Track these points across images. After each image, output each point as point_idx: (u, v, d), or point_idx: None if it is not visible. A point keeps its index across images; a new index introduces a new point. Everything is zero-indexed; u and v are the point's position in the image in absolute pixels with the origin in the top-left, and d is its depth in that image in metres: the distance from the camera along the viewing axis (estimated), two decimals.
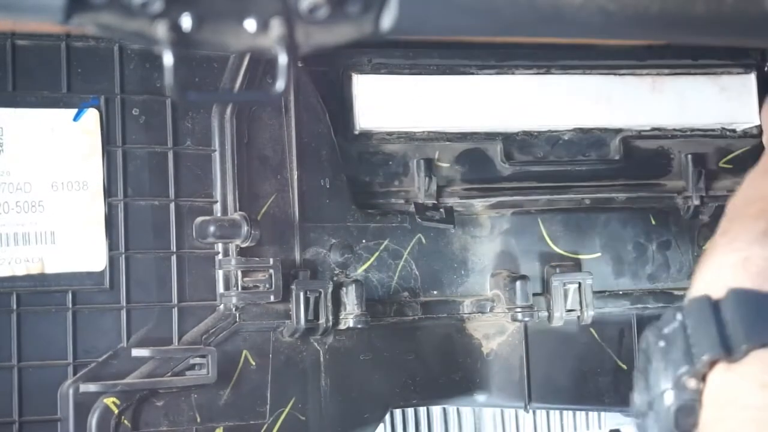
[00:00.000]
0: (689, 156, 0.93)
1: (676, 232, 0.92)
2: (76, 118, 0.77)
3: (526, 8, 0.46)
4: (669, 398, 0.52)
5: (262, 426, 0.80)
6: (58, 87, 0.77)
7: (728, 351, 0.50)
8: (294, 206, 0.82)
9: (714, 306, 0.52)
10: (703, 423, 0.50)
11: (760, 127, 0.93)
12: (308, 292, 0.80)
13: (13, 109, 0.75)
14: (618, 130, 0.92)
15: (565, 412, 0.99)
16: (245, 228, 0.77)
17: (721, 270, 0.55)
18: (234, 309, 0.79)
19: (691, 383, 0.51)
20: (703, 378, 0.51)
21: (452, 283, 0.87)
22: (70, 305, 0.76)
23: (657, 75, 0.92)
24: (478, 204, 0.88)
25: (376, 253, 0.85)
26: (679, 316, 0.53)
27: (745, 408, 0.49)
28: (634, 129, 0.92)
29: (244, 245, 0.79)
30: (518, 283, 0.86)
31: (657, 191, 0.93)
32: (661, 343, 0.53)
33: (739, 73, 0.94)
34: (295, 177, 0.82)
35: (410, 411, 0.95)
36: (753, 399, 0.49)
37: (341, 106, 0.85)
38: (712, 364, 0.51)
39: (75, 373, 0.75)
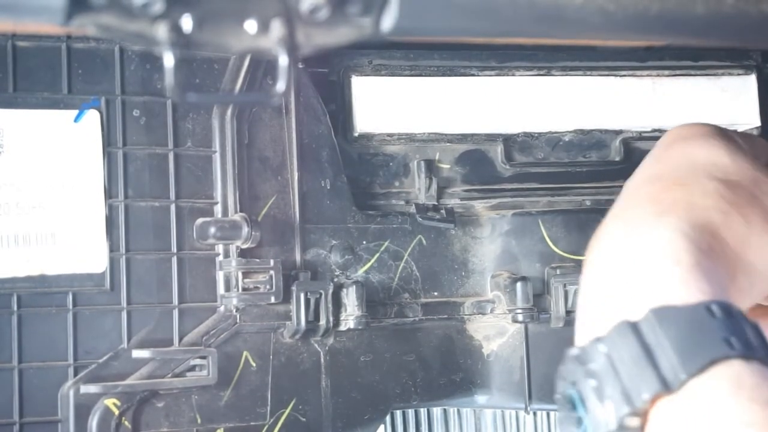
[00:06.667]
0: None
1: None
2: (76, 119, 0.77)
3: (526, 8, 0.46)
4: None
5: (262, 427, 0.80)
6: (58, 88, 0.77)
7: (666, 385, 0.46)
8: (294, 207, 0.82)
9: (635, 330, 0.48)
10: None
11: (760, 128, 0.93)
12: (309, 294, 0.80)
13: (14, 111, 0.75)
14: (618, 132, 0.92)
15: None
16: (246, 229, 0.77)
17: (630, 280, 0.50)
18: (234, 310, 0.79)
19: (634, 422, 0.47)
20: (645, 413, 0.47)
21: (453, 285, 0.87)
22: (71, 306, 0.76)
23: (657, 76, 0.92)
24: (479, 205, 0.88)
25: (377, 255, 0.85)
26: (602, 348, 0.49)
27: None
28: (634, 130, 0.92)
29: (244, 246, 0.79)
30: (519, 285, 0.86)
31: None
32: (592, 382, 0.49)
33: (739, 74, 0.94)
34: (296, 178, 0.82)
35: (411, 412, 0.95)
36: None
37: (341, 107, 0.85)
38: (653, 400, 0.47)
39: (75, 374, 0.75)
